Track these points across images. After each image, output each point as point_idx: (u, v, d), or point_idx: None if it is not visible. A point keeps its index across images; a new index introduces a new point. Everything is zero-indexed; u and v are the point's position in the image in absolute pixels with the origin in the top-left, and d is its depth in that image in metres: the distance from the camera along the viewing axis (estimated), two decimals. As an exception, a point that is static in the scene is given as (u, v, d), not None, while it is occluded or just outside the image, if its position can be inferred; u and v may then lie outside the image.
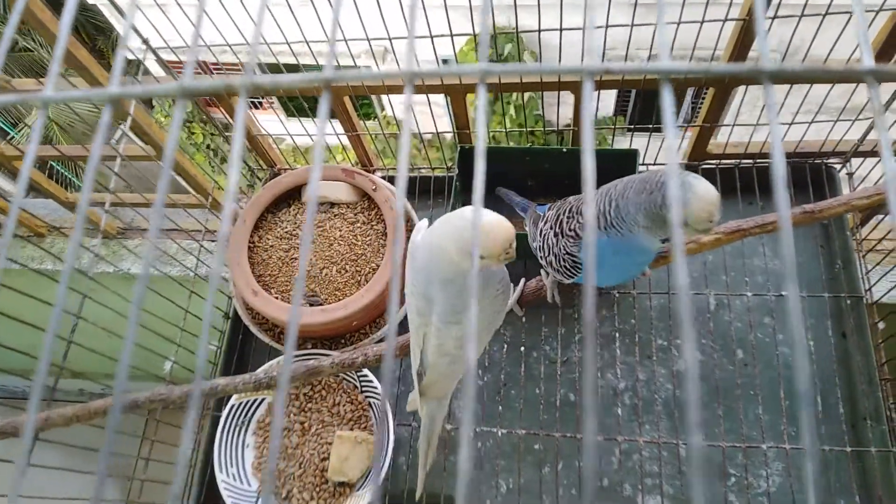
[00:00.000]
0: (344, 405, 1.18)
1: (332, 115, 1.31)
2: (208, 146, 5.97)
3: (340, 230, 1.21)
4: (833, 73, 0.31)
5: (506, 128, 1.43)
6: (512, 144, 1.95)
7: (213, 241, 1.51)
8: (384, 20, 0.98)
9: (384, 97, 5.40)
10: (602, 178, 0.74)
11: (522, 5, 1.05)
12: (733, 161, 1.31)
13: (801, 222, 0.82)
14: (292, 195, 1.26)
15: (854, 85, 1.13)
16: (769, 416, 1.14)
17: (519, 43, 1.79)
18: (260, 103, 5.59)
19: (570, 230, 0.81)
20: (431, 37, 1.02)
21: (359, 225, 1.22)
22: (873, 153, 1.23)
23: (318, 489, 1.12)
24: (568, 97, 1.27)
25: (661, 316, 1.25)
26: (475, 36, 1.08)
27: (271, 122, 1.45)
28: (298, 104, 1.28)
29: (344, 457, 1.12)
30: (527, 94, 1.75)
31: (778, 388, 1.16)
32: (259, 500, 1.12)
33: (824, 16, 0.88)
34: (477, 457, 1.19)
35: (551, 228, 0.85)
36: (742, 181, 1.30)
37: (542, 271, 1.07)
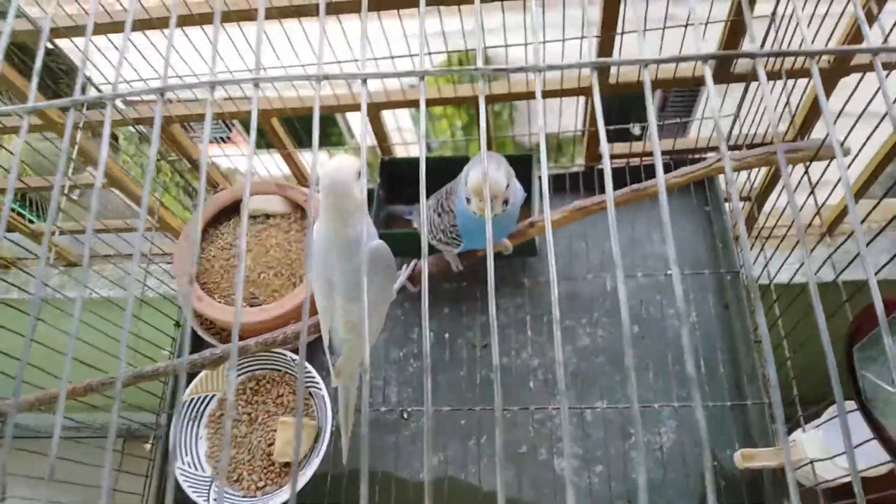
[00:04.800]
0: (287, 396, 1.31)
1: (265, 140, 1.47)
2: (176, 183, 6.08)
3: (276, 238, 1.35)
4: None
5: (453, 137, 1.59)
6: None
7: (165, 263, 1.65)
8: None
9: (346, 124, 5.56)
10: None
11: (490, 29, 1.23)
12: (622, 161, 1.49)
13: (629, 199, 0.98)
14: (232, 211, 1.41)
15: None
16: (661, 381, 1.30)
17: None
18: (228, 138, 5.74)
19: (448, 209, 0.99)
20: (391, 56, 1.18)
21: (293, 233, 1.37)
22: (737, 147, 1.41)
23: (265, 471, 1.25)
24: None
25: (568, 299, 1.40)
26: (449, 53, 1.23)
27: (236, 155, 1.58)
28: (266, 140, 1.43)
29: (288, 440, 1.25)
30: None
31: (667, 356, 1.31)
32: (213, 483, 1.25)
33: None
34: (410, 435, 1.32)
35: (434, 211, 1.02)
36: (631, 179, 1.47)
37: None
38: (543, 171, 0.43)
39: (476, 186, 0.91)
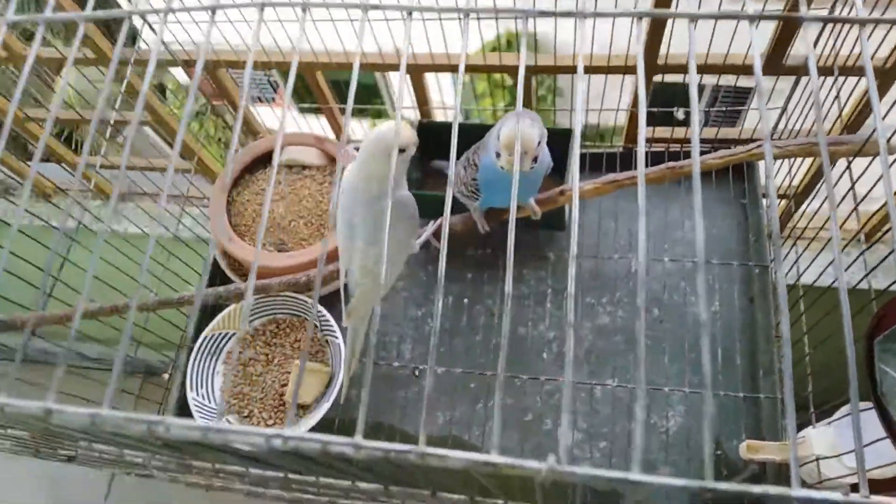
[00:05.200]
0: (304, 341, 1.35)
1: (311, 99, 1.49)
2: (219, 140, 6.19)
3: (310, 189, 1.38)
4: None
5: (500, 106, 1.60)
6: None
7: (199, 206, 1.69)
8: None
9: (388, 94, 5.58)
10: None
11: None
12: (663, 146, 1.47)
13: (664, 177, 0.98)
14: (269, 160, 1.43)
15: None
16: (675, 366, 1.30)
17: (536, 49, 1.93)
18: (272, 98, 5.81)
19: (473, 162, 1.00)
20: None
21: (326, 185, 1.39)
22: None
23: (276, 410, 1.29)
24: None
25: (592, 277, 1.40)
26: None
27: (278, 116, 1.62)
28: (311, 99, 1.46)
29: (301, 383, 1.28)
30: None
31: (684, 342, 1.31)
32: (224, 417, 1.29)
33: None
34: (418, 391, 1.35)
35: (462, 165, 1.04)
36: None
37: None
38: (578, 128, 0.43)
39: (508, 140, 0.91)
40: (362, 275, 0.94)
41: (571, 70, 1.34)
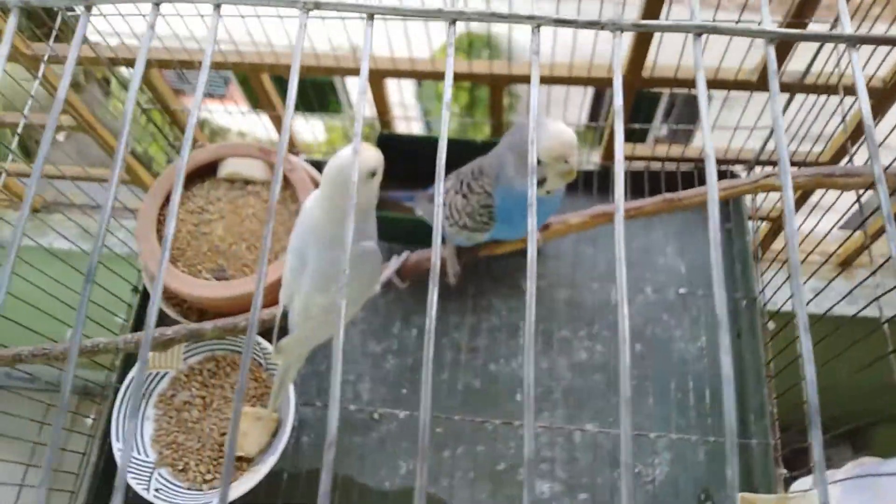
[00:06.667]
0: (248, 382, 1.18)
1: (256, 100, 1.33)
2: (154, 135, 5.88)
3: (253, 208, 1.21)
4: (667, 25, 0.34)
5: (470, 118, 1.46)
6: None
7: (125, 219, 1.51)
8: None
9: (345, 91, 5.38)
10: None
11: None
12: (642, 164, 1.36)
13: (661, 209, 0.86)
14: (208, 172, 1.27)
15: (748, 94, 1.19)
16: (660, 408, 1.19)
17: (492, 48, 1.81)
18: (223, 95, 5.54)
19: (479, 188, 0.86)
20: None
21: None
22: (773, 162, 1.29)
23: (215, 463, 1.13)
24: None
25: (567, 308, 1.28)
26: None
27: (231, 113, 1.46)
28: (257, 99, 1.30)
29: (244, 432, 1.12)
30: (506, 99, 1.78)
31: (670, 381, 1.20)
32: (156, 471, 1.12)
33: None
34: (379, 438, 1.20)
35: (457, 193, 0.89)
36: (650, 185, 1.35)
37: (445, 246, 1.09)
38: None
39: (558, 149, 0.75)
40: (304, 318, 0.80)
41: (549, 81, 1.21)
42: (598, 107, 4.82)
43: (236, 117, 1.54)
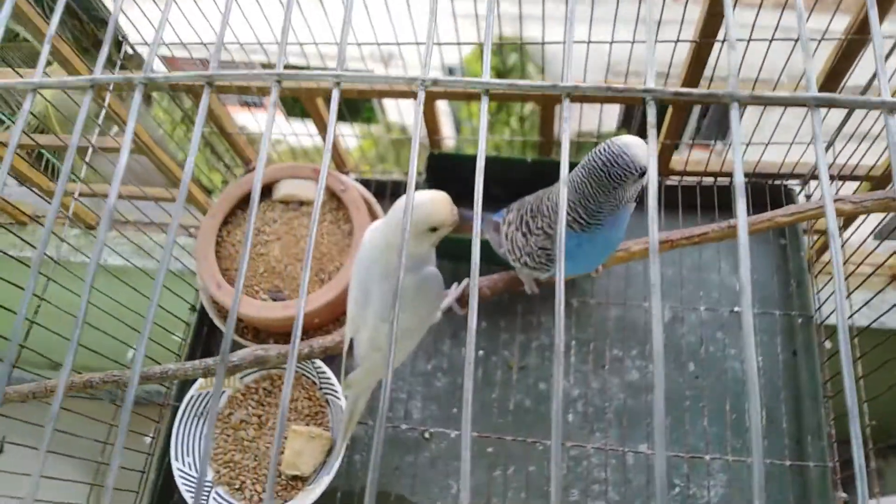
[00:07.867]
0: (302, 401, 1.20)
1: (306, 115, 1.35)
2: (206, 143, 6.00)
3: (308, 228, 1.24)
4: (785, 98, 0.34)
5: (510, 135, 1.47)
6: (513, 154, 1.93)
7: (189, 236, 1.54)
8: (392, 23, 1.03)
9: (385, 101, 5.40)
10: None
11: (528, 15, 1.10)
12: (695, 179, 1.35)
13: (725, 236, 0.85)
14: (264, 192, 1.29)
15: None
16: (715, 429, 1.17)
17: (523, 54, 1.81)
18: (260, 103, 5.62)
19: (537, 229, 0.85)
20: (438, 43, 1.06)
21: (326, 224, 1.25)
22: (830, 176, 1.27)
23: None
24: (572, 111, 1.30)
25: (618, 327, 1.27)
26: (481, 45, 1.11)
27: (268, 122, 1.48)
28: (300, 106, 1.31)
29: (298, 451, 1.14)
30: (528, 108, 1.77)
31: (725, 401, 1.18)
32: (213, 489, 1.15)
33: (770, 41, 0.92)
34: (430, 457, 1.21)
35: (517, 230, 0.88)
36: (703, 198, 1.33)
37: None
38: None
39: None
40: (371, 349, 0.81)
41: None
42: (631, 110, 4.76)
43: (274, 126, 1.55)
